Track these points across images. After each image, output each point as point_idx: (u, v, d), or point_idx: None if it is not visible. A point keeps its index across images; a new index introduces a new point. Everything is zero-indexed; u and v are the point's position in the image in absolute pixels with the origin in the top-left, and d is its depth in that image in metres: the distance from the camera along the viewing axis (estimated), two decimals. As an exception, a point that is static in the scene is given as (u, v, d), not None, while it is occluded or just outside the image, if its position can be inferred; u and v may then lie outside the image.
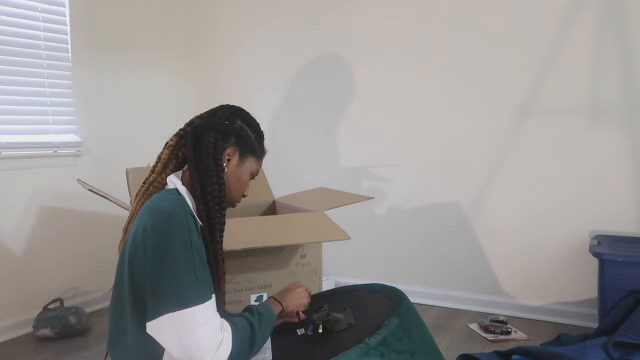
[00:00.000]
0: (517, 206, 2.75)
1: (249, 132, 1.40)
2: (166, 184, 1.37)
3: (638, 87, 2.46)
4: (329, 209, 2.06)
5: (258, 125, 1.45)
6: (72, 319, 2.57)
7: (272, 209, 2.46)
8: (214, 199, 1.32)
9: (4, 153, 2.57)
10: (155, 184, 1.38)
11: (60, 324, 2.54)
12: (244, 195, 1.44)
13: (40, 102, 2.74)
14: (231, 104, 1.45)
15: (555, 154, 2.64)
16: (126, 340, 1.28)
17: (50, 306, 2.64)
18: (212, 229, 1.33)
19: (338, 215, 2.12)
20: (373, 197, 2.48)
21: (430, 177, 2.96)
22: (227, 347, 1.22)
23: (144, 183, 1.40)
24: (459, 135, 2.86)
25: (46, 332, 2.53)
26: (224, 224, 1.38)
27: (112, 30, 3.07)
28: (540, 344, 2.33)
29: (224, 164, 1.36)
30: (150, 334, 1.21)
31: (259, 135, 1.44)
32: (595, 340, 1.99)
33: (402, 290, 1.58)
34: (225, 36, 3.55)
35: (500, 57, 2.73)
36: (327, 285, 2.68)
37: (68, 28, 2.83)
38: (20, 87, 2.65)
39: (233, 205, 1.45)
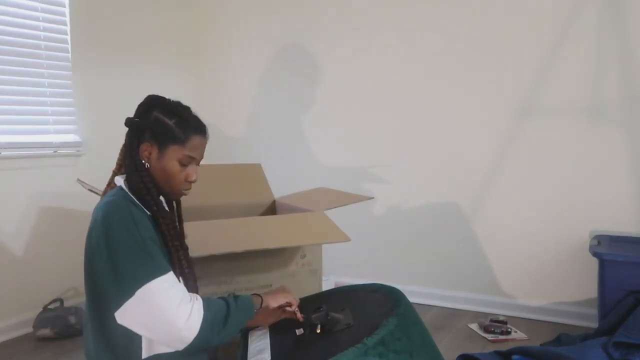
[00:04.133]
0: (517, 206, 2.74)
1: (166, 121, 1.35)
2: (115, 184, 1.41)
3: (638, 87, 2.45)
4: (329, 209, 2.06)
5: (179, 108, 1.38)
6: (72, 319, 2.57)
7: (272, 209, 2.46)
8: (145, 196, 1.33)
9: (4, 153, 2.57)
10: (111, 185, 1.44)
11: (60, 324, 2.54)
12: (190, 182, 1.38)
13: (40, 102, 2.74)
14: (154, 94, 1.41)
15: (555, 153, 2.64)
16: (94, 340, 1.30)
17: (50, 306, 2.64)
18: (157, 221, 1.35)
19: (338, 215, 2.11)
20: (373, 197, 2.48)
21: (430, 177, 2.95)
22: (199, 314, 1.22)
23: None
24: (459, 135, 2.85)
25: (46, 332, 2.53)
26: (166, 217, 1.37)
27: (112, 30, 3.07)
28: (540, 344, 2.32)
29: (144, 162, 1.35)
30: (122, 323, 1.23)
31: (182, 118, 1.36)
32: (595, 340, 1.99)
33: (402, 290, 1.58)
34: (226, 36, 3.55)
35: (500, 57, 2.72)
36: (327, 285, 2.66)
37: (68, 28, 2.83)
38: (20, 87, 2.65)
39: (177, 196, 1.43)
